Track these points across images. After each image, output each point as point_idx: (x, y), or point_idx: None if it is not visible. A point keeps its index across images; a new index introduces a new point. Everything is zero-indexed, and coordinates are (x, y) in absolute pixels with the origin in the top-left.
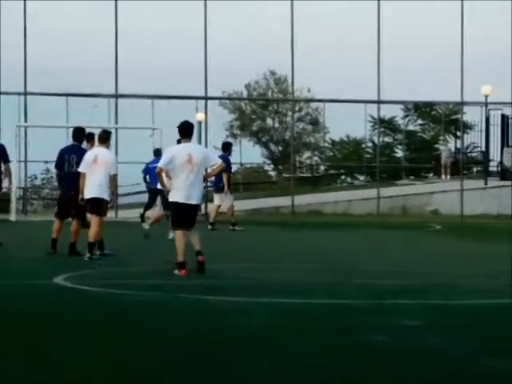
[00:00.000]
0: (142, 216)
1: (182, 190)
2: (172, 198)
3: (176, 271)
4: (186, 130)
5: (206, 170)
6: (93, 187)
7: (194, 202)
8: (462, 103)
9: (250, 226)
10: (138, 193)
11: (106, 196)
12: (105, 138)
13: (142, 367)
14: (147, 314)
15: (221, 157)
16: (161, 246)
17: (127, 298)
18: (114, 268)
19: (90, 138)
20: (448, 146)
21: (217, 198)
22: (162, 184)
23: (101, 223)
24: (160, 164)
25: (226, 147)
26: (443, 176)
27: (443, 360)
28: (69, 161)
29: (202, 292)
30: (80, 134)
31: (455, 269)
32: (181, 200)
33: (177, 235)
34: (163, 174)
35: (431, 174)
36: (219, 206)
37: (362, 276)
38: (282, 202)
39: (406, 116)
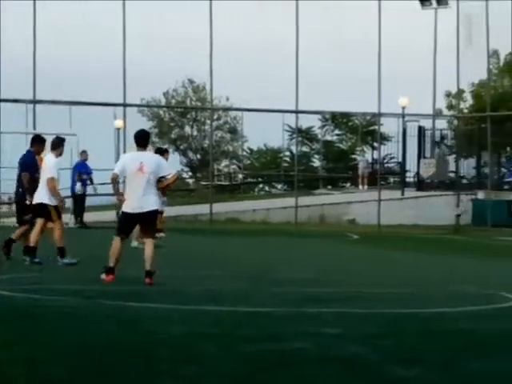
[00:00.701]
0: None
1: (133, 200)
2: (123, 208)
3: (103, 275)
4: (140, 139)
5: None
6: (37, 192)
7: (145, 210)
8: (380, 114)
9: (169, 233)
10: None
11: (46, 200)
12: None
13: (58, 373)
14: (66, 320)
15: None
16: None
17: (47, 303)
18: (39, 273)
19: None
20: (365, 156)
21: None
22: (115, 191)
23: (42, 227)
24: (115, 170)
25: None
26: (360, 186)
27: (361, 368)
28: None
29: (123, 298)
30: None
31: (373, 278)
32: (129, 210)
33: (114, 240)
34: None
35: (348, 184)
36: None
37: (281, 284)
38: (201, 209)
39: (324, 126)
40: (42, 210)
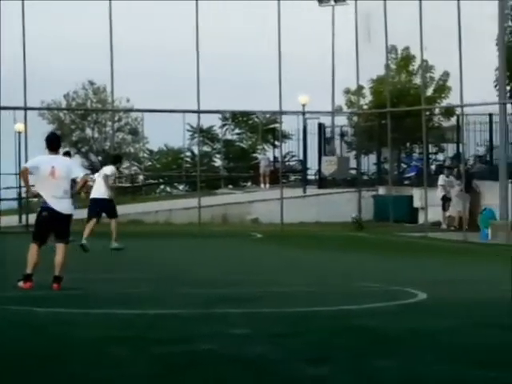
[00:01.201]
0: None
1: (47, 204)
2: (37, 213)
3: (21, 283)
4: (51, 142)
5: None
6: None
7: (59, 214)
8: (281, 112)
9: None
10: None
11: None
12: None
13: None
14: None
15: None
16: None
17: None
18: None
19: None
20: (266, 154)
21: None
22: (26, 184)
23: None
24: (27, 164)
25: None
26: (262, 185)
27: (268, 368)
28: None
29: (32, 304)
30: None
31: (278, 277)
32: (43, 214)
33: (31, 247)
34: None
35: (249, 183)
36: None
37: (187, 285)
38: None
39: (224, 125)
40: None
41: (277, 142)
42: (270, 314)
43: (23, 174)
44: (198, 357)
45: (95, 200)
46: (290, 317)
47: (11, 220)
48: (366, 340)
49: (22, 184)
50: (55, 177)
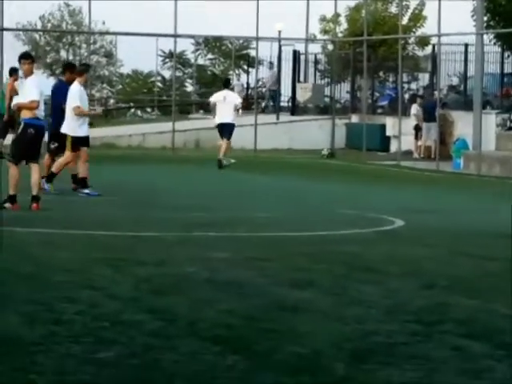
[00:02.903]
0: None
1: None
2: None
3: (7, 204)
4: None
5: None
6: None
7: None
8: (257, 38)
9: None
10: None
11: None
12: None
13: None
14: None
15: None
16: None
17: None
18: None
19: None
20: (240, 80)
21: None
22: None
23: None
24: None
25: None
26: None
27: (249, 291)
28: None
29: (9, 224)
30: None
31: (253, 202)
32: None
33: (12, 168)
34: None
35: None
36: None
37: (164, 209)
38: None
39: (197, 50)
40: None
41: (250, 69)
42: (248, 238)
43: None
44: (180, 279)
45: None
46: (267, 241)
47: None
48: (346, 266)
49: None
50: None
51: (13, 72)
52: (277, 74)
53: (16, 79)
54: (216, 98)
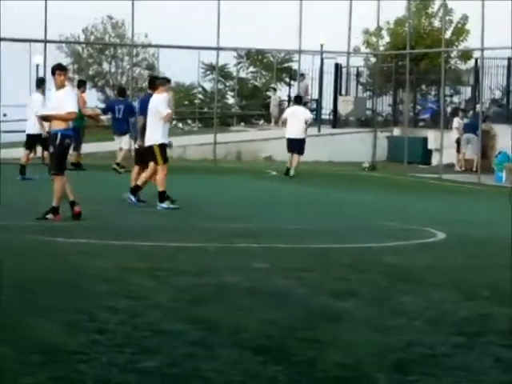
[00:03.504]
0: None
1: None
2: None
3: (50, 215)
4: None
5: None
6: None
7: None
8: (300, 52)
9: (89, 170)
10: None
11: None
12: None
13: None
14: None
15: (121, 102)
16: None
17: None
18: None
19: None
20: (276, 94)
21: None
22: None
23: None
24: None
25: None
26: (273, 123)
27: (291, 301)
28: None
29: (50, 234)
30: None
31: (295, 213)
32: (66, 140)
33: (58, 179)
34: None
35: (262, 121)
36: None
37: (209, 219)
38: (116, 146)
39: (239, 63)
40: (151, 152)
41: (292, 82)
42: (289, 249)
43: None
44: (222, 289)
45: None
46: (309, 252)
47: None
48: (389, 277)
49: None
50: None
51: (81, 84)
52: (307, 86)
53: (84, 91)
54: (287, 113)
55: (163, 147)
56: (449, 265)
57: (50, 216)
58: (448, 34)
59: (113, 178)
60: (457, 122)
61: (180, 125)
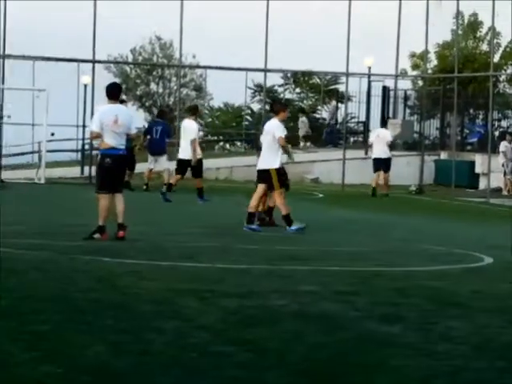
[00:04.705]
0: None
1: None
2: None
3: (97, 235)
4: (112, 91)
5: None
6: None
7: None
8: (347, 74)
9: (137, 190)
10: (23, 154)
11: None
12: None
13: (44, 328)
14: (44, 274)
15: (160, 124)
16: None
17: (21, 257)
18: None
19: None
20: (303, 117)
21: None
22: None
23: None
24: (93, 127)
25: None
26: (302, 144)
27: (338, 324)
28: None
29: (98, 253)
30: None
31: (342, 235)
32: (106, 159)
33: (102, 198)
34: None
35: (309, 143)
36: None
37: (255, 241)
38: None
39: (286, 84)
40: (266, 175)
41: (338, 104)
42: (336, 272)
43: (92, 138)
44: (269, 311)
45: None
46: (356, 275)
47: (72, 172)
48: (435, 301)
49: (87, 136)
50: (118, 124)
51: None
52: (335, 108)
53: None
54: (371, 136)
55: (280, 172)
56: (495, 290)
57: (96, 236)
58: (496, 58)
59: (158, 197)
60: (504, 145)
61: (227, 146)
